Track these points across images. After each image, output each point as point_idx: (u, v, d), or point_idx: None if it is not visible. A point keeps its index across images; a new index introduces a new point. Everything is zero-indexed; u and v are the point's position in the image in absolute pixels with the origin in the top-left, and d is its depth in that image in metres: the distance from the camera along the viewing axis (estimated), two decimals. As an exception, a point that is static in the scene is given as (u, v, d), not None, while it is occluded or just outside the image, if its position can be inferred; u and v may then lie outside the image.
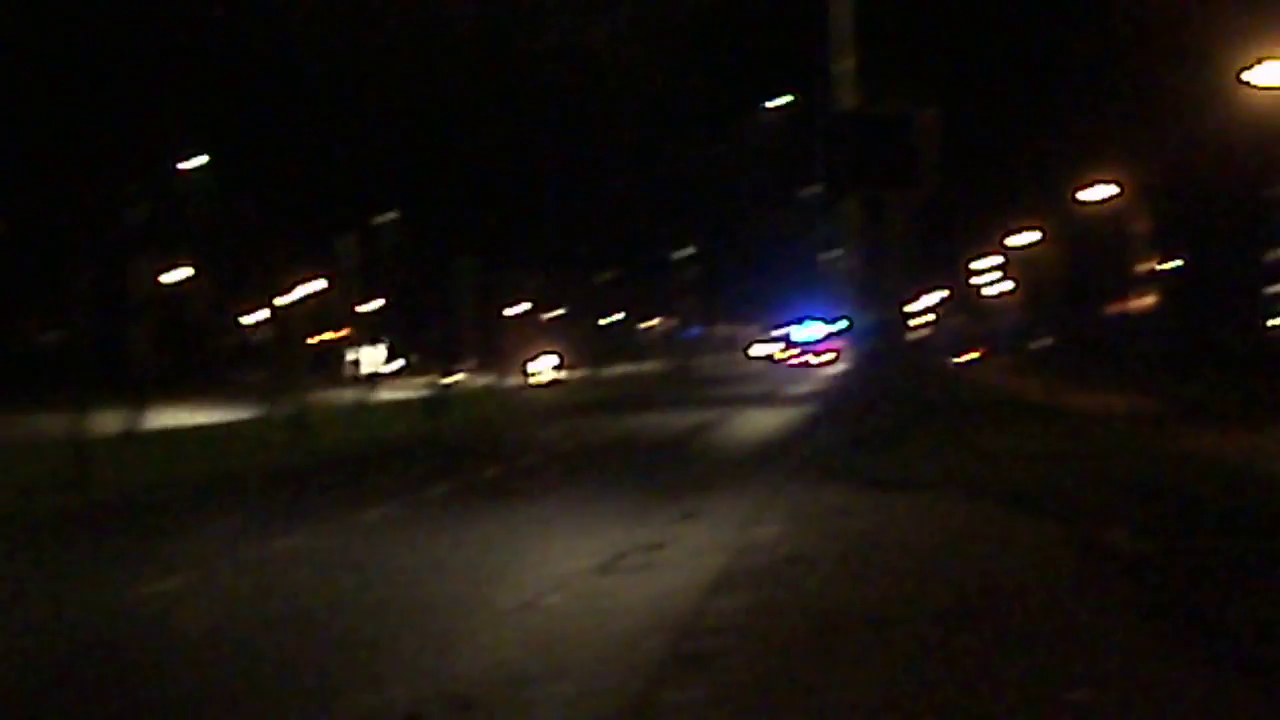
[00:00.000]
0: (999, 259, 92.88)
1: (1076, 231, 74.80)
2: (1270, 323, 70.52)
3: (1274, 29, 33.84)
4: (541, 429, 45.19)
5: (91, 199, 37.19)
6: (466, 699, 10.33)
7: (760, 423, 44.70)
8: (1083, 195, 61.59)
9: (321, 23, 40.54)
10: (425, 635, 12.78)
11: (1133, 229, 68.37)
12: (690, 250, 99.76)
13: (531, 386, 78.17)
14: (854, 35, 29.66)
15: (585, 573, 15.86)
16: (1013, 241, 77.93)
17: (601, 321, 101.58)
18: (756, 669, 10.88)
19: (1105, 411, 40.51)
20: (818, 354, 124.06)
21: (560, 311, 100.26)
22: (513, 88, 48.22)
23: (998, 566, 15.25)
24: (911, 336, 45.01)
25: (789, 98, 57.49)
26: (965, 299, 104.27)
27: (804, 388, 72.31)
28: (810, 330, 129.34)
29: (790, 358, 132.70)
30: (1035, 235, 75.56)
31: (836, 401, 44.89)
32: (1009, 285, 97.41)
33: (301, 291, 46.94)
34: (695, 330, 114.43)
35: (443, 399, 50.19)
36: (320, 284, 73.47)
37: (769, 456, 31.17)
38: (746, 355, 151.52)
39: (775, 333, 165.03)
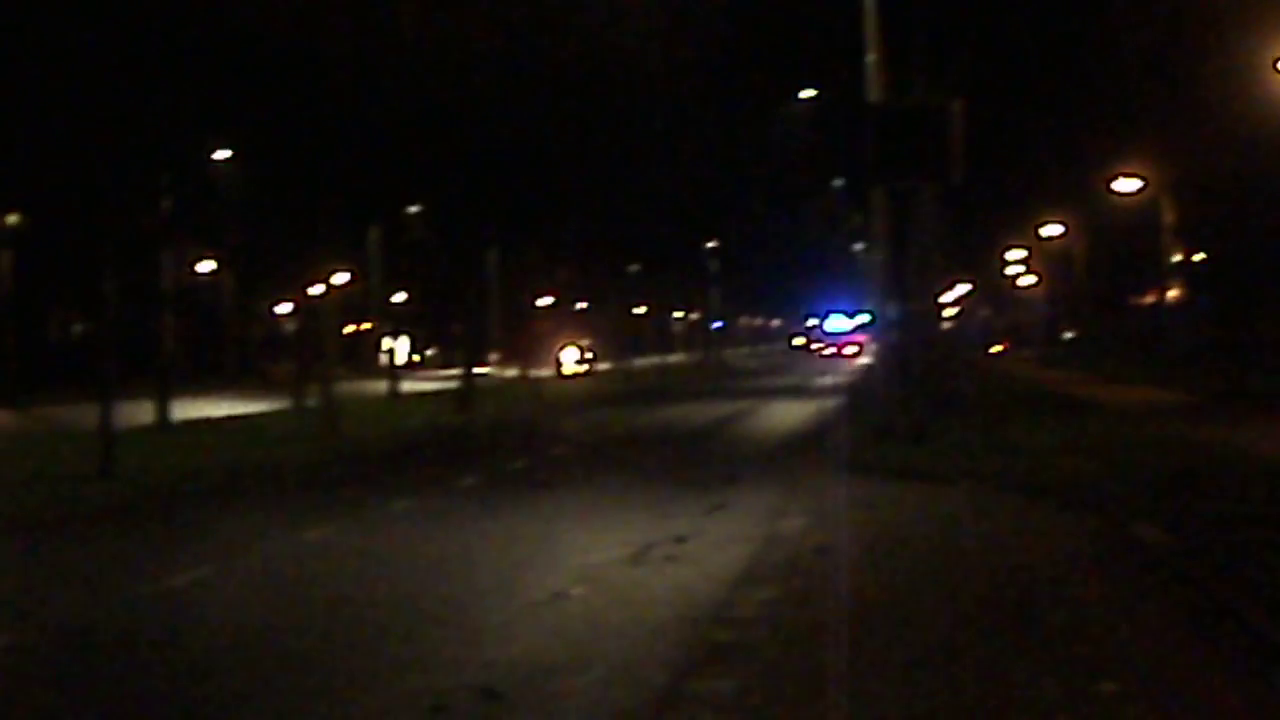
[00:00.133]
0: (1025, 251, 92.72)
1: (1105, 224, 74.63)
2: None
3: None
4: (570, 421, 45.23)
5: (121, 191, 37.24)
6: (494, 689, 10.35)
7: (788, 414, 44.69)
8: (1112, 187, 61.47)
9: (350, 15, 40.59)
10: (453, 626, 12.81)
11: (1161, 221, 68.17)
12: (716, 243, 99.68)
13: (560, 378, 78.24)
14: (879, 27, 29.65)
15: (614, 564, 15.88)
16: (1039, 234, 77.80)
17: (632, 313, 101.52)
18: (784, 660, 10.90)
19: (1134, 404, 40.42)
20: (847, 346, 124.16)
21: (589, 303, 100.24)
22: (541, 80, 48.19)
23: (1026, 559, 15.24)
24: (943, 328, 44.91)
25: (815, 91, 57.33)
26: (990, 291, 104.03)
27: (832, 379, 72.29)
28: (838, 322, 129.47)
29: (821, 349, 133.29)
30: (1061, 228, 75.43)
31: (864, 393, 44.86)
32: (1035, 277, 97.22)
33: (329, 283, 46.97)
34: (720, 322, 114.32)
35: (471, 390, 50.23)
36: (348, 276, 73.63)
37: (796, 448, 31.18)
38: (790, 345, 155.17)
39: (805, 325, 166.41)
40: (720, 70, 64.75)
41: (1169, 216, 68.15)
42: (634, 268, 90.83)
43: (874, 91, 29.41)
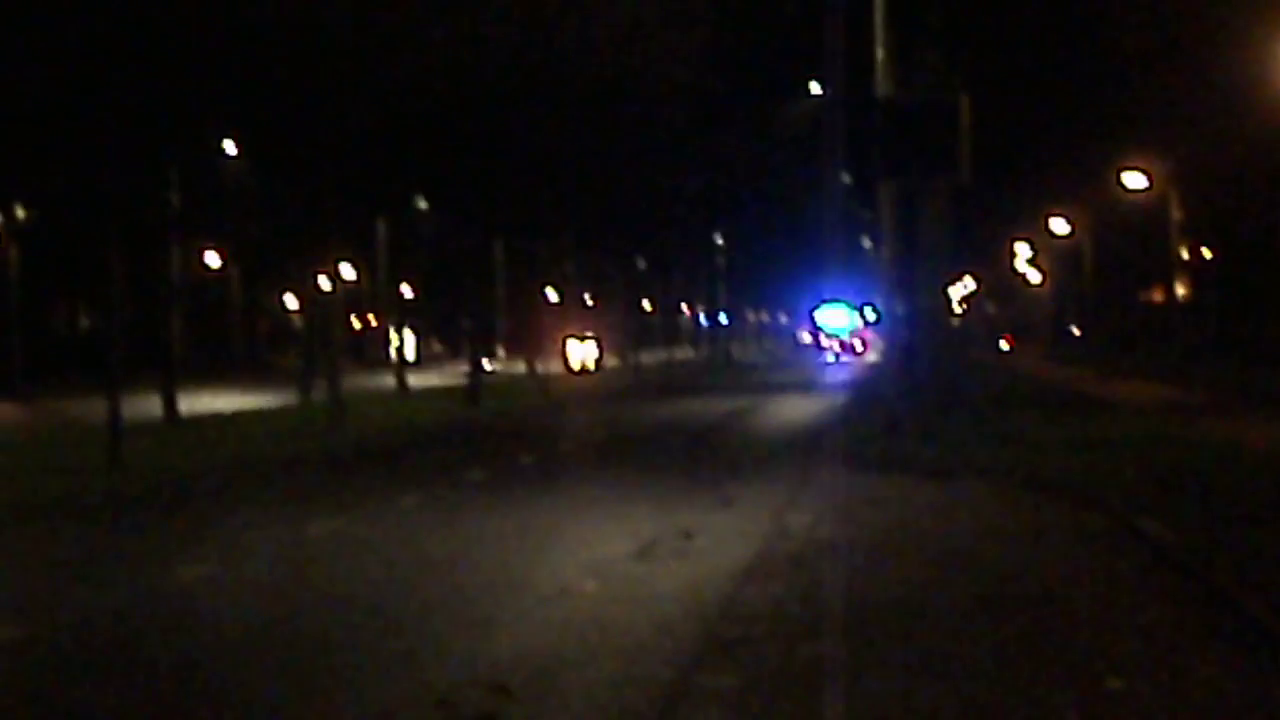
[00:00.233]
0: (1030, 248, 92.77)
1: (1112, 220, 74.61)
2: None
3: None
4: (577, 415, 45.25)
5: (128, 185, 37.26)
6: (501, 684, 10.36)
7: (795, 410, 44.71)
8: (1120, 183, 61.44)
9: (356, 7, 40.58)
10: (460, 620, 12.82)
11: (1168, 219, 68.14)
12: (721, 239, 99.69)
13: (568, 372, 78.28)
14: (886, 22, 29.64)
15: (621, 559, 15.90)
16: (1047, 230, 77.81)
17: (639, 308, 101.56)
18: (790, 656, 10.91)
19: (1141, 400, 40.43)
20: (852, 342, 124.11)
21: (596, 298, 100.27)
22: (548, 73, 48.15)
23: (1032, 555, 15.26)
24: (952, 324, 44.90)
25: (819, 87, 57.39)
26: (996, 287, 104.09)
27: (839, 375, 72.29)
28: (841, 318, 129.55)
29: (828, 346, 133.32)
30: (1067, 225, 75.44)
31: (871, 389, 44.86)
32: (1041, 273, 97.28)
33: (337, 277, 46.98)
34: (726, 318, 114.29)
35: (479, 385, 50.26)
36: (355, 270, 73.70)
37: (803, 444, 31.18)
38: (795, 342, 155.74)
39: (811, 321, 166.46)
40: (729, 64, 64.84)
41: (1177, 213, 68.12)
42: (641, 263, 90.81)
43: (882, 87, 29.42)
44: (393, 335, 72.70)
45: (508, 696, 10.08)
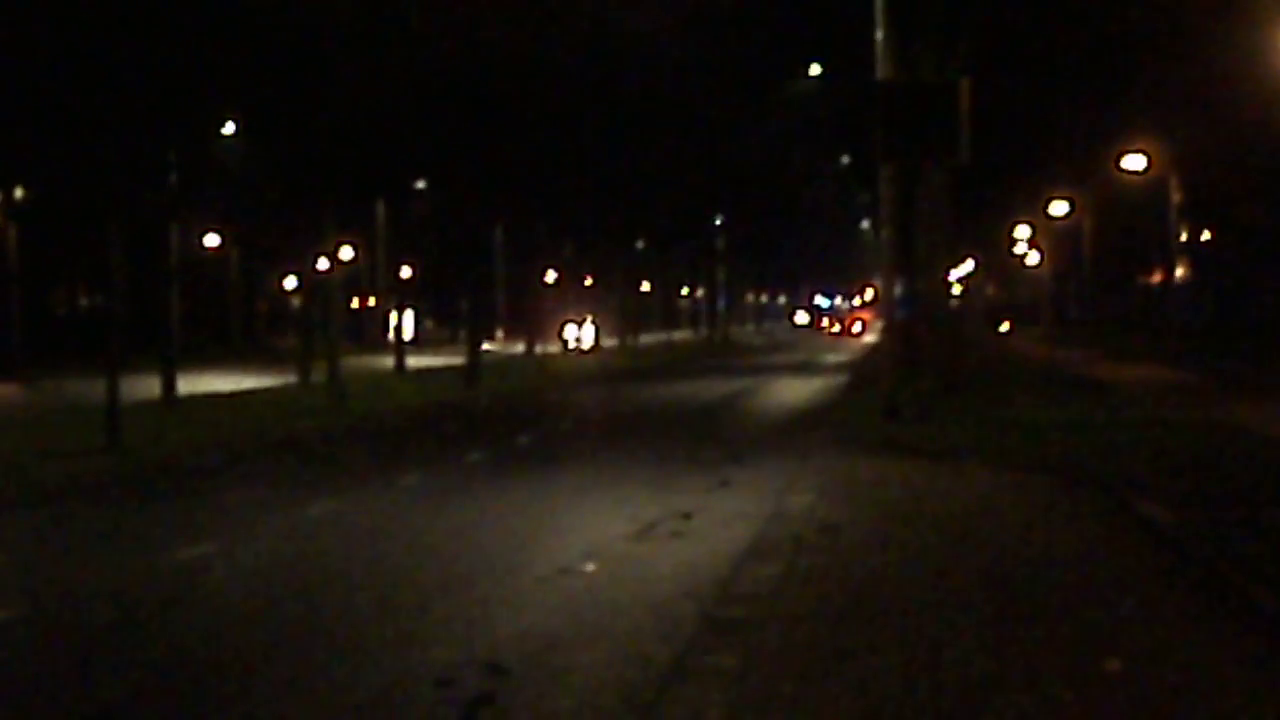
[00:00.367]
0: (1030, 229, 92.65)
1: (1112, 202, 74.54)
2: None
3: None
4: (576, 397, 45.25)
5: (128, 166, 37.23)
6: (500, 664, 10.38)
7: (793, 391, 44.72)
8: (1120, 165, 61.37)
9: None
10: (459, 600, 12.84)
11: (1169, 200, 68.10)
12: (721, 220, 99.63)
13: (567, 354, 78.28)
14: (887, 4, 29.61)
15: (620, 540, 15.91)
16: (1047, 212, 77.69)
17: (638, 289, 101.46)
18: (788, 636, 10.93)
19: (1140, 383, 40.43)
20: (851, 323, 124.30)
21: (595, 279, 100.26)
22: (547, 55, 48.13)
23: (1032, 537, 15.28)
24: (951, 305, 44.92)
25: (820, 69, 57.36)
26: (995, 269, 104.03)
27: (838, 357, 72.31)
28: (838, 301, 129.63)
29: (827, 327, 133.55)
30: (1067, 206, 75.33)
31: (871, 371, 44.88)
32: (1041, 255, 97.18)
33: (336, 258, 46.94)
34: (725, 299, 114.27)
35: (478, 366, 50.23)
36: (354, 251, 73.62)
37: (802, 425, 31.18)
38: (792, 323, 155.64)
39: (809, 303, 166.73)
40: (728, 46, 64.75)
41: (1176, 196, 68.07)
42: (640, 244, 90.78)
43: (882, 69, 29.41)
44: (392, 316, 72.69)
45: (506, 676, 10.10)
